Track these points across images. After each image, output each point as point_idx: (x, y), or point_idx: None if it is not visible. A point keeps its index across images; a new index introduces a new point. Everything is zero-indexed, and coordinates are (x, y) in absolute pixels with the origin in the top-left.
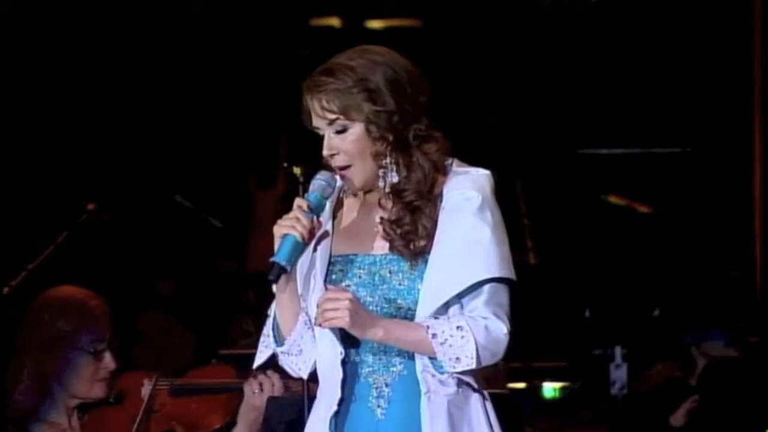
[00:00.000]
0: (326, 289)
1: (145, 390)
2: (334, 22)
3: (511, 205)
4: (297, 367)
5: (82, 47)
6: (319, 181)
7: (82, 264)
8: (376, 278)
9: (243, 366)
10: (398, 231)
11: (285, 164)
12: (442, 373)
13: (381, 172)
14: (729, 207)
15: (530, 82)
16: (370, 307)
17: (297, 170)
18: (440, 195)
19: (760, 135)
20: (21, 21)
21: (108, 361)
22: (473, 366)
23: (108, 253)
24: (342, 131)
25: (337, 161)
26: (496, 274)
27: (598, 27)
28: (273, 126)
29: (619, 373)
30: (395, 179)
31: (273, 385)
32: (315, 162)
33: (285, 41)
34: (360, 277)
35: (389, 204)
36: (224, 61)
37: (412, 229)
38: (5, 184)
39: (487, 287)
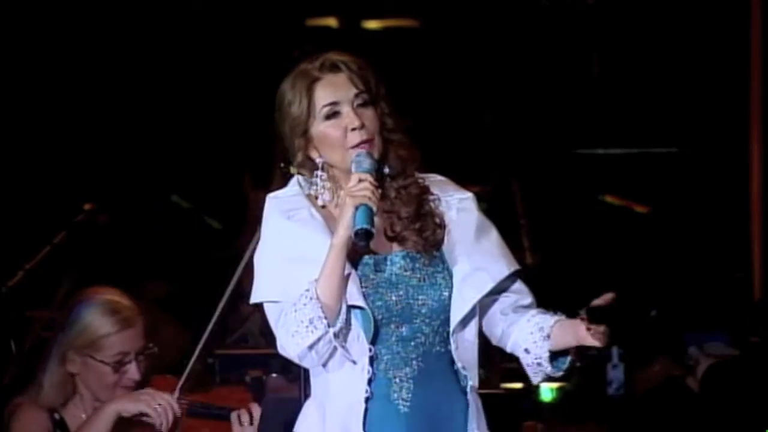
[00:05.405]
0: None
1: None
2: (331, 22)
3: (508, 204)
4: (340, 345)
5: (78, 48)
6: (366, 158)
7: (80, 264)
8: (393, 278)
9: (236, 366)
10: (413, 227)
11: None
12: (558, 370)
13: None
14: (726, 207)
15: (527, 81)
16: (395, 308)
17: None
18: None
19: (757, 135)
20: (15, 21)
21: (132, 372)
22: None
23: (105, 253)
24: (364, 105)
25: (363, 135)
26: (518, 267)
27: (595, 27)
28: (269, 125)
29: (615, 374)
30: (392, 171)
31: (251, 418)
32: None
33: (281, 41)
34: (377, 278)
35: (395, 203)
36: (221, 61)
37: (424, 223)
38: (2, 185)
39: (516, 277)
